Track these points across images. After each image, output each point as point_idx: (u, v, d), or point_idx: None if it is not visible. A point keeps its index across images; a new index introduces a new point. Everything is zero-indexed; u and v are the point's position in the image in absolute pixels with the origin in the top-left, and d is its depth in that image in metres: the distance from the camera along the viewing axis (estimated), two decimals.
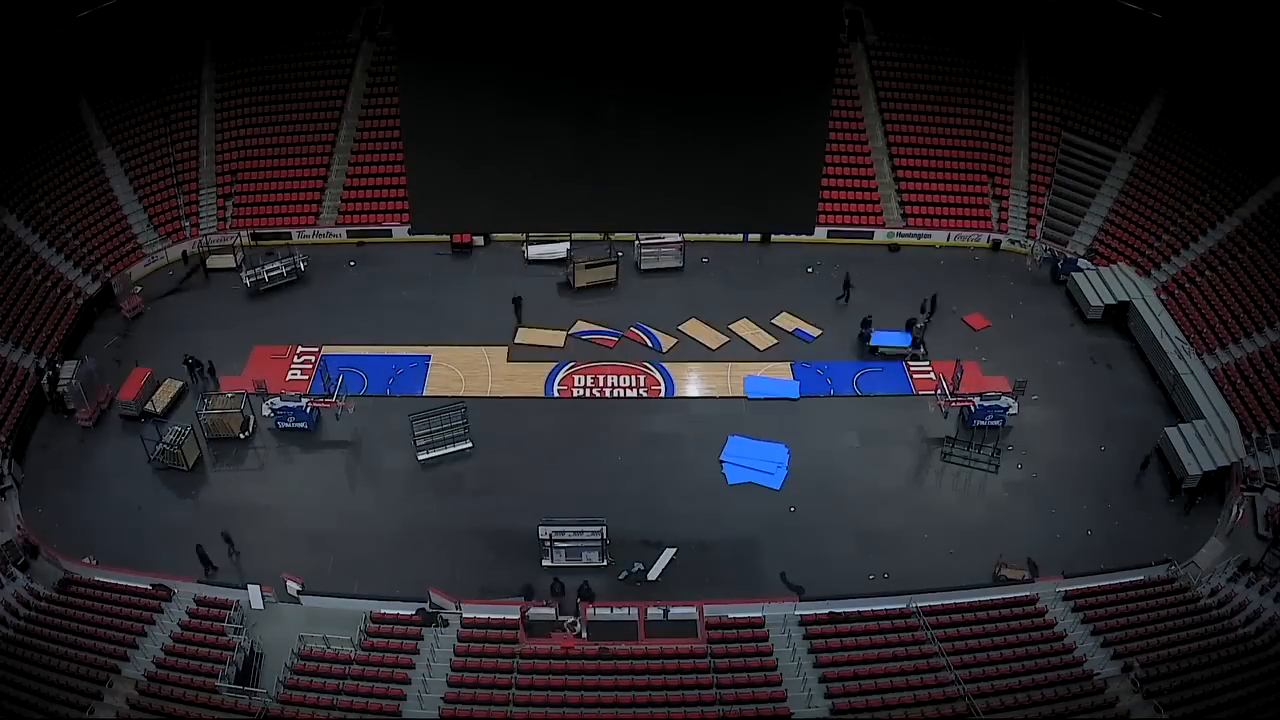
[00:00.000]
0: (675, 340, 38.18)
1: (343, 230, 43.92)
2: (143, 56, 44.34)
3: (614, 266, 41.06)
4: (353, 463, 33.10)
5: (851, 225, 43.97)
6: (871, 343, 37.40)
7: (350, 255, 43.12)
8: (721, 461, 32.86)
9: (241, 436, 33.44)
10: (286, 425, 33.70)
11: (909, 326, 37.49)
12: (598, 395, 35.85)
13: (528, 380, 36.39)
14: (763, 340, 38.29)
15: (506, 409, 35.08)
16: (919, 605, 27.25)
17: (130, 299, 39.51)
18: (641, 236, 41.20)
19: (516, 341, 38.02)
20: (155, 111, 44.46)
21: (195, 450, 32.62)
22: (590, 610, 26.97)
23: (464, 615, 27.12)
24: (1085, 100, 45.05)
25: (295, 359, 37.10)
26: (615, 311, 39.58)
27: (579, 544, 29.13)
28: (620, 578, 28.97)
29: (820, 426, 34.49)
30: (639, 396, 35.83)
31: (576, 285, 40.78)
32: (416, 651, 25.92)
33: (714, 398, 35.82)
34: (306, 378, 35.83)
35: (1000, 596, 27.76)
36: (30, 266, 38.02)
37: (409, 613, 27.20)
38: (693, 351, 37.82)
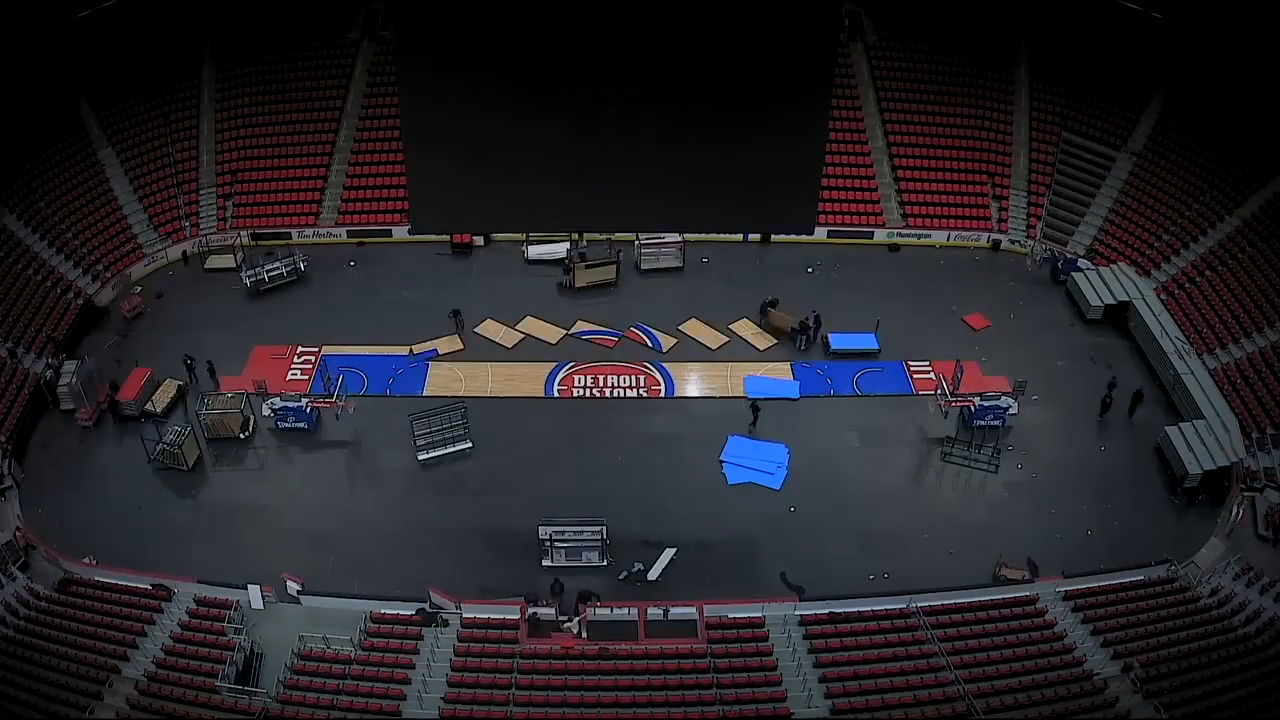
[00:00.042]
0: (675, 340, 38.18)
1: (343, 230, 43.93)
2: (143, 56, 44.35)
3: (614, 266, 41.07)
4: (353, 463, 33.11)
5: (851, 225, 43.97)
6: (833, 347, 37.46)
7: (350, 255, 43.12)
8: (721, 461, 32.86)
9: (241, 436, 33.45)
10: (286, 425, 33.70)
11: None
12: (598, 395, 35.85)
13: (528, 380, 36.39)
14: (763, 340, 38.30)
15: (506, 409, 35.08)
16: (919, 605, 27.24)
17: (130, 299, 39.52)
18: (641, 236, 41.20)
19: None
20: (155, 111, 44.48)
21: (195, 450, 32.62)
22: (590, 610, 26.95)
23: (464, 615, 27.11)
24: (1085, 100, 45.06)
25: (295, 359, 37.10)
26: (615, 311, 39.58)
27: (579, 544, 29.13)
28: (620, 578, 28.96)
29: (820, 426, 34.50)
30: (639, 396, 35.83)
31: (576, 285, 40.79)
32: (416, 651, 25.91)
33: (714, 398, 35.82)
34: (306, 378, 35.84)
35: (1000, 596, 27.74)
36: (30, 266, 38.03)
37: (409, 613, 27.19)
38: (693, 351, 37.83)
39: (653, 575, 29.01)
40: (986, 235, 43.96)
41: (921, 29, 47.23)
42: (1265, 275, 36.74)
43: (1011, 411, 33.98)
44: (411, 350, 37.39)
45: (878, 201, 44.39)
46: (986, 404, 33.63)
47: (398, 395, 35.46)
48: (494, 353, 37.64)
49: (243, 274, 40.36)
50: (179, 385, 35.23)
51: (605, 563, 29.21)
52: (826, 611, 27.29)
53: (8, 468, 31.48)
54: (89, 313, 38.60)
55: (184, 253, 42.71)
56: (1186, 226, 40.43)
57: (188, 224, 43.33)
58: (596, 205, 25.18)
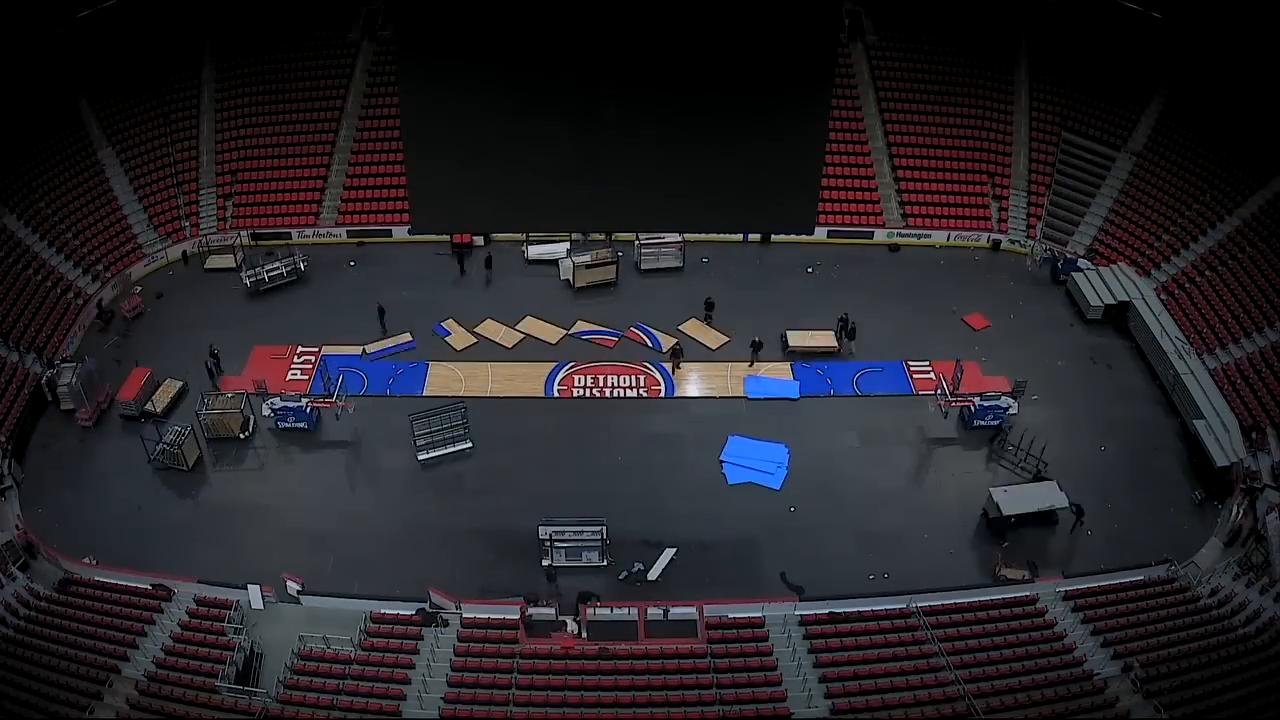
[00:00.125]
0: (675, 340, 38.17)
1: (343, 230, 43.93)
2: (143, 56, 44.36)
3: (614, 266, 41.08)
4: (353, 463, 33.10)
5: (851, 225, 43.98)
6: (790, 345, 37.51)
7: (350, 255, 43.12)
8: (721, 461, 32.86)
9: (241, 436, 33.45)
10: (286, 425, 33.69)
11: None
12: (598, 395, 35.85)
13: (528, 380, 36.39)
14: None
15: (506, 409, 35.08)
16: (919, 605, 27.24)
17: (130, 299, 39.53)
18: (641, 236, 41.20)
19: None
20: (155, 111, 44.48)
21: (195, 450, 32.62)
22: (590, 610, 26.96)
23: (464, 615, 27.12)
24: (1085, 100, 45.06)
25: (295, 359, 37.10)
26: (615, 311, 39.57)
27: (579, 544, 29.14)
28: (620, 578, 28.96)
29: (820, 426, 34.49)
30: (639, 396, 35.83)
31: (576, 285, 40.80)
32: (416, 651, 25.91)
33: (714, 398, 35.81)
34: (306, 378, 35.84)
35: (1000, 596, 27.75)
36: (30, 266, 38.03)
37: (409, 613, 27.19)
38: (693, 351, 37.80)
39: (653, 575, 29.02)
40: (986, 235, 43.96)
41: (921, 29, 47.24)
42: (1265, 275, 36.74)
43: (1011, 411, 33.97)
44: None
45: (878, 201, 44.39)
46: (986, 404, 33.63)
47: (398, 395, 35.46)
48: (494, 353, 37.64)
49: (243, 274, 40.36)
50: (180, 385, 35.25)
51: (605, 563, 29.21)
52: (826, 611, 27.29)
53: (8, 468, 31.48)
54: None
55: (184, 253, 42.72)
56: (1186, 226, 40.43)
57: (188, 224, 43.34)
58: (596, 205, 25.16)
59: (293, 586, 27.54)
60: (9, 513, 30.31)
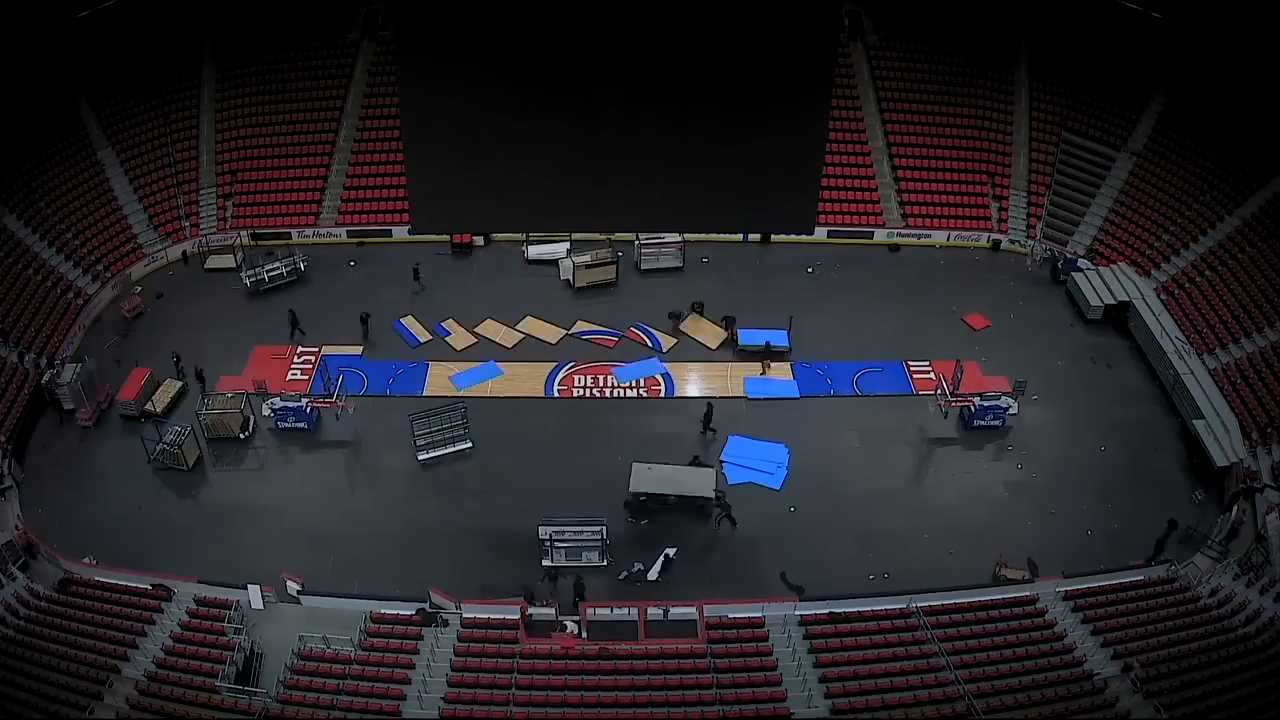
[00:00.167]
0: (675, 340, 38.17)
1: (343, 230, 43.93)
2: (143, 56, 44.37)
3: (614, 266, 41.08)
4: (353, 463, 33.10)
5: (851, 225, 43.97)
6: (740, 343, 37.55)
7: (350, 255, 43.12)
8: (721, 461, 32.86)
9: (241, 436, 33.44)
10: (286, 425, 33.69)
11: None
12: (598, 395, 35.85)
13: (528, 380, 36.39)
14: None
15: (506, 409, 35.08)
16: (919, 605, 27.22)
17: (130, 299, 39.54)
18: (641, 236, 41.20)
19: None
20: (155, 111, 44.49)
21: (195, 450, 32.62)
22: (590, 610, 26.97)
23: (464, 615, 27.11)
24: (1085, 100, 45.06)
25: (295, 359, 37.09)
26: (615, 311, 39.57)
27: (579, 544, 29.14)
28: (620, 578, 28.96)
29: (820, 426, 34.49)
30: (639, 396, 35.83)
31: (576, 285, 40.79)
32: (416, 651, 25.90)
33: (714, 398, 35.79)
34: (306, 378, 35.83)
35: (1000, 596, 27.72)
36: (30, 267, 38.03)
37: (409, 613, 27.18)
38: (693, 351, 37.81)
39: (651, 575, 29.01)
40: (986, 235, 43.96)
41: (921, 29, 47.24)
42: (1265, 275, 36.73)
43: (1011, 411, 33.98)
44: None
45: (878, 201, 44.39)
46: (986, 404, 33.64)
47: (398, 395, 35.46)
48: (494, 352, 37.62)
49: (243, 274, 40.36)
50: (179, 385, 35.25)
51: (605, 563, 29.21)
52: (826, 611, 27.27)
53: (8, 468, 31.48)
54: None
55: (184, 253, 42.72)
56: (1186, 226, 40.42)
57: (188, 224, 43.34)
58: (596, 205, 25.18)
59: (293, 586, 27.53)
60: (9, 513, 30.30)
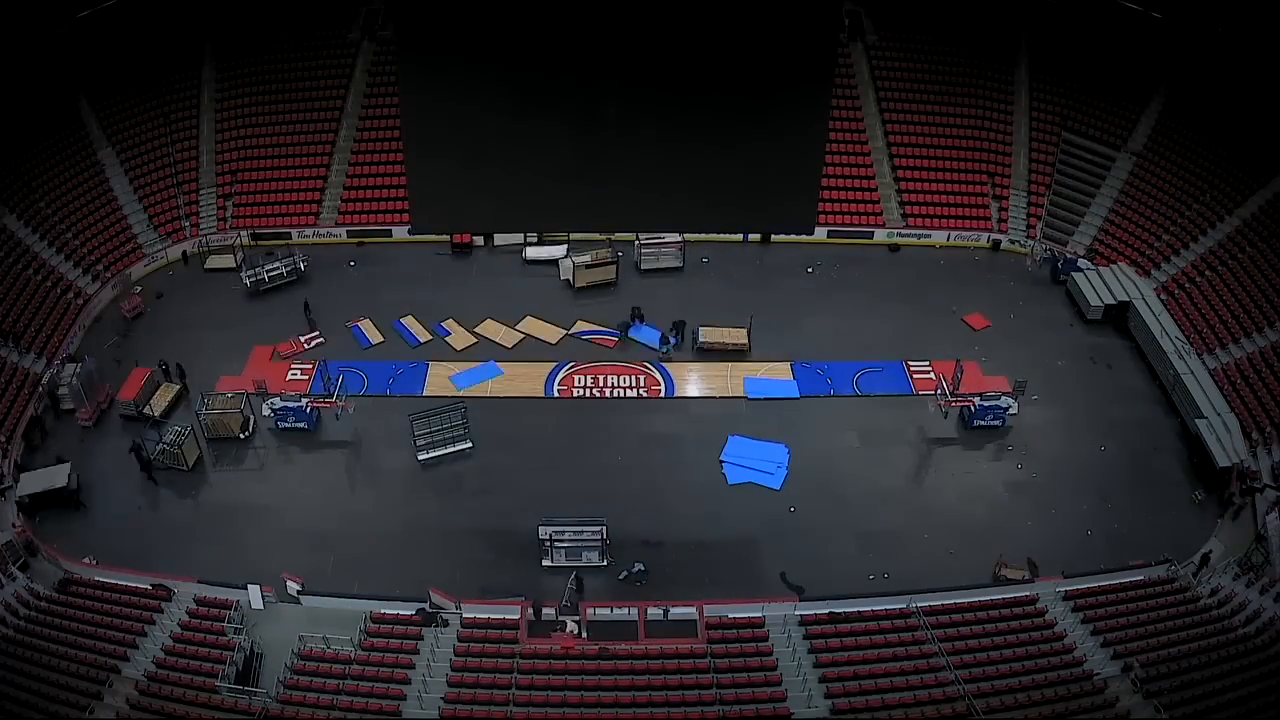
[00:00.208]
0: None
1: (343, 230, 43.93)
2: (143, 56, 44.37)
3: (614, 267, 41.08)
4: (353, 463, 33.10)
5: (851, 225, 43.98)
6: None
7: (350, 255, 43.12)
8: (721, 461, 32.86)
9: (241, 436, 33.44)
10: (286, 425, 33.69)
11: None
12: (598, 395, 35.85)
13: (528, 380, 36.39)
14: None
15: (506, 409, 35.08)
16: (919, 605, 27.23)
17: (130, 299, 39.54)
18: (641, 236, 41.21)
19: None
20: (155, 111, 44.49)
21: (195, 450, 32.61)
22: (590, 610, 26.97)
23: (464, 615, 27.11)
24: (1085, 100, 45.06)
25: (307, 345, 37.13)
26: (615, 311, 39.57)
27: (579, 544, 29.13)
28: (620, 578, 28.96)
29: (820, 426, 34.49)
30: (639, 396, 35.83)
31: (576, 285, 40.79)
32: (416, 651, 25.90)
33: (714, 398, 35.81)
34: (306, 378, 35.83)
35: (1000, 596, 27.74)
36: (30, 267, 38.03)
37: (409, 613, 27.18)
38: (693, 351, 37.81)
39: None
40: (986, 235, 43.97)
41: (921, 29, 47.24)
42: (1265, 275, 36.73)
43: (1011, 411, 33.98)
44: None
45: (878, 201, 44.39)
46: (986, 404, 33.64)
47: (398, 395, 35.46)
48: (494, 352, 37.62)
49: (243, 274, 40.36)
50: (178, 386, 35.26)
51: (605, 563, 29.21)
52: (826, 611, 27.28)
53: (8, 468, 31.46)
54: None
55: (184, 253, 42.72)
56: (1186, 226, 40.43)
57: (188, 224, 43.34)
58: (596, 205, 25.18)
59: (293, 586, 27.54)
60: (9, 513, 30.29)
